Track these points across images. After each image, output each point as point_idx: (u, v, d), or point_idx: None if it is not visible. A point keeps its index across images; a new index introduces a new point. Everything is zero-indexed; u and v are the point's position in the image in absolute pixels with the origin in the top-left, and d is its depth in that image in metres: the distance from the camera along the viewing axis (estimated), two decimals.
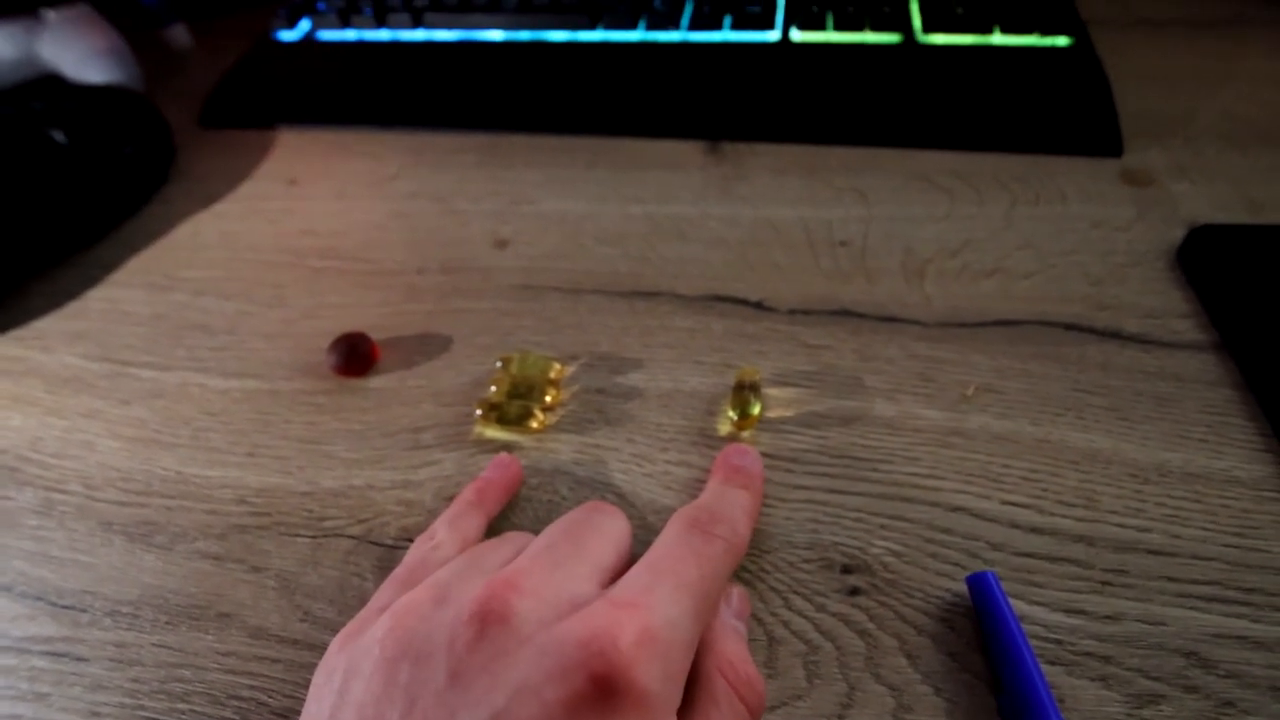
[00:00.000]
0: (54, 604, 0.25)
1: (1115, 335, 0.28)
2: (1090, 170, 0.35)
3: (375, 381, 0.30)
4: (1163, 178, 0.34)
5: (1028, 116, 0.37)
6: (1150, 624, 0.21)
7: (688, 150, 0.39)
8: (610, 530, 0.21)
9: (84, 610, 0.24)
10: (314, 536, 0.25)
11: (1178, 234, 0.32)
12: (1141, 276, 0.30)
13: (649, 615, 0.17)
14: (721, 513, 0.21)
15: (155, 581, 0.25)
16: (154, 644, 0.23)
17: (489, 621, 0.17)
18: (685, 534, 0.20)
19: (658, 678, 0.16)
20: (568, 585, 0.18)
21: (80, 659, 0.23)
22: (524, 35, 0.45)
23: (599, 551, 0.20)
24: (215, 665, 0.23)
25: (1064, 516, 0.24)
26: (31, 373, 0.32)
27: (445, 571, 0.19)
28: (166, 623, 0.24)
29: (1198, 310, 0.29)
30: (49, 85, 0.44)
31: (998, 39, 0.40)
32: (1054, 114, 0.37)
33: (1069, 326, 0.29)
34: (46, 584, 0.25)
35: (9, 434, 0.30)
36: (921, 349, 0.29)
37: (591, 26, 0.44)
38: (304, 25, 0.49)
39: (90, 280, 0.36)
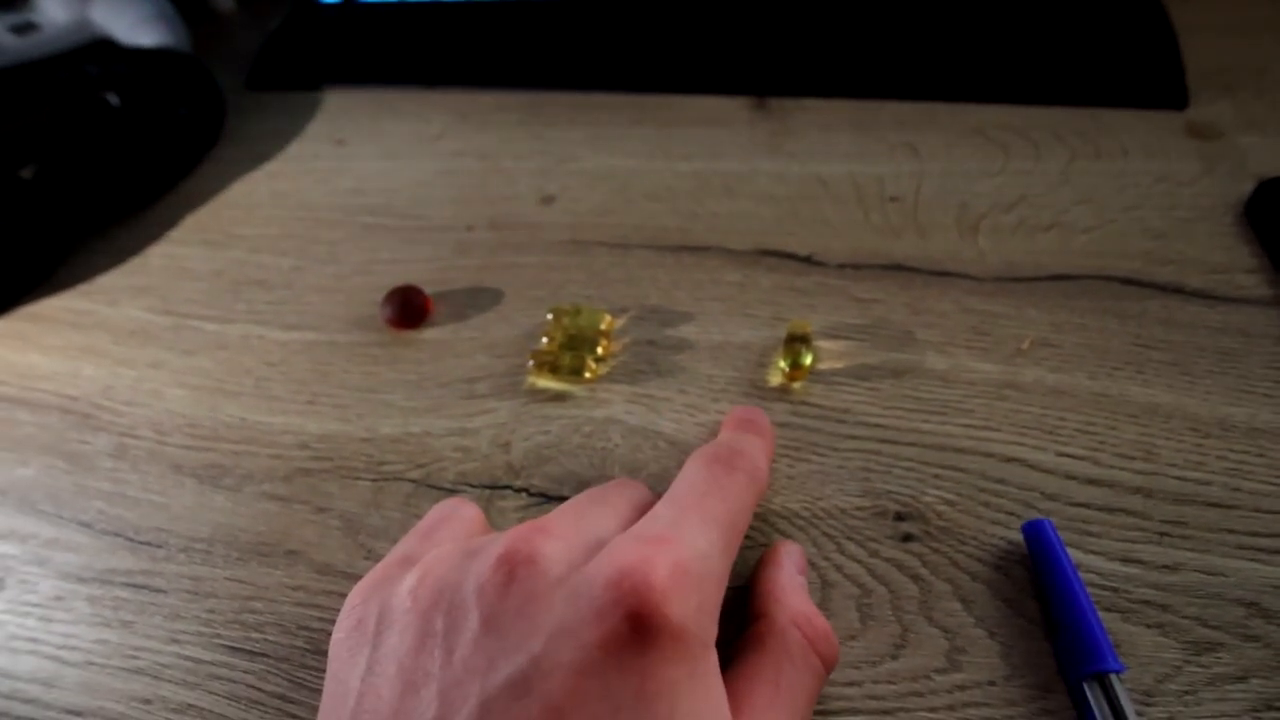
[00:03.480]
0: (132, 540, 0.26)
1: (1178, 290, 0.28)
2: (1153, 124, 0.34)
3: (428, 334, 0.30)
4: (1230, 131, 0.33)
5: (1088, 68, 0.36)
6: (1209, 574, 0.21)
7: (734, 106, 0.38)
8: (633, 493, 0.21)
9: (160, 546, 0.26)
10: (375, 480, 0.26)
11: (1245, 188, 0.31)
12: (1206, 231, 0.30)
13: (679, 549, 0.16)
14: (740, 448, 0.21)
15: (225, 520, 0.26)
16: (227, 578, 0.24)
17: (517, 563, 0.16)
18: (706, 468, 0.20)
19: (693, 612, 0.16)
20: (593, 530, 0.18)
21: (159, 590, 0.25)
22: None
23: (623, 506, 0.20)
24: (286, 599, 0.24)
25: (1122, 469, 0.23)
26: (99, 326, 0.33)
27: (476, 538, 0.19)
28: (238, 558, 0.25)
29: (1265, 265, 0.28)
30: (102, 49, 0.45)
31: None
32: (1116, 65, 0.36)
33: (1129, 281, 0.28)
34: (124, 521, 0.26)
35: (82, 382, 0.31)
36: (975, 303, 0.28)
37: None
38: None
39: (150, 238, 0.37)
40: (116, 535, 0.26)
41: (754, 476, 0.20)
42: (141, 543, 0.26)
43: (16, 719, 0.22)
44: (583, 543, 0.17)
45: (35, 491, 0.28)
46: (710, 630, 0.16)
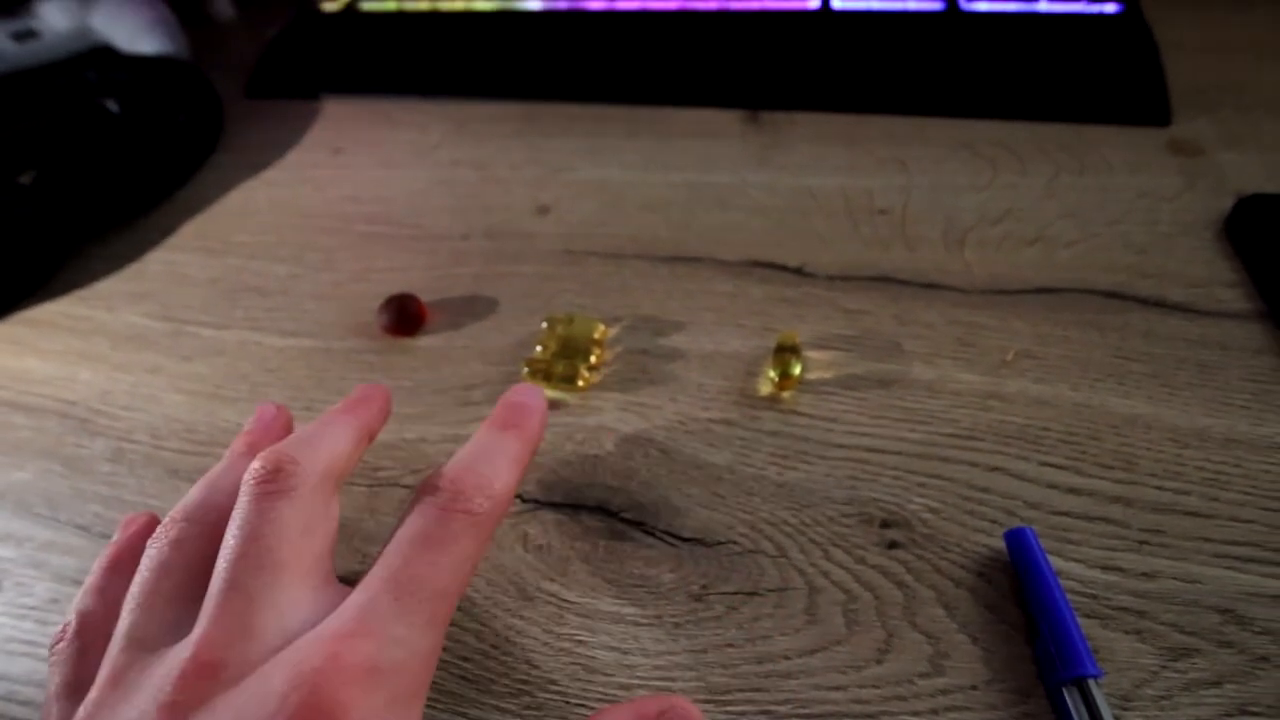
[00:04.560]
0: None
1: (1159, 304, 0.28)
2: (1137, 140, 0.35)
3: (424, 341, 0.31)
4: (1212, 148, 0.34)
5: (1074, 85, 0.37)
6: (1186, 582, 0.22)
7: (727, 119, 0.39)
8: (288, 521, 0.18)
9: None
10: (370, 486, 0.26)
11: (1226, 204, 0.31)
12: (1187, 246, 0.30)
13: (365, 643, 0.15)
14: (467, 478, 0.18)
15: None
16: None
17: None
18: (418, 522, 0.18)
19: (380, 708, 0.15)
20: (265, 637, 0.16)
21: None
22: (562, 4, 0.45)
23: (289, 555, 0.17)
24: None
25: (1102, 478, 0.24)
26: (97, 331, 0.34)
27: (119, 653, 0.17)
28: None
29: (1244, 280, 0.29)
30: (102, 56, 0.46)
31: (1043, 6, 0.40)
32: (1101, 83, 0.37)
33: (1111, 294, 0.29)
34: None
35: (79, 387, 0.31)
36: (961, 315, 0.29)
37: None
38: None
39: (148, 244, 0.37)
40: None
41: (480, 513, 0.18)
42: None
43: None
44: (262, 647, 0.16)
45: (32, 495, 0.28)
46: (407, 717, 0.16)
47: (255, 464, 0.18)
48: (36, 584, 0.25)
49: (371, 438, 0.22)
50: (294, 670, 0.15)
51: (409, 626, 0.16)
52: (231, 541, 0.17)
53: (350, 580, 0.24)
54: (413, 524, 0.18)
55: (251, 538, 0.17)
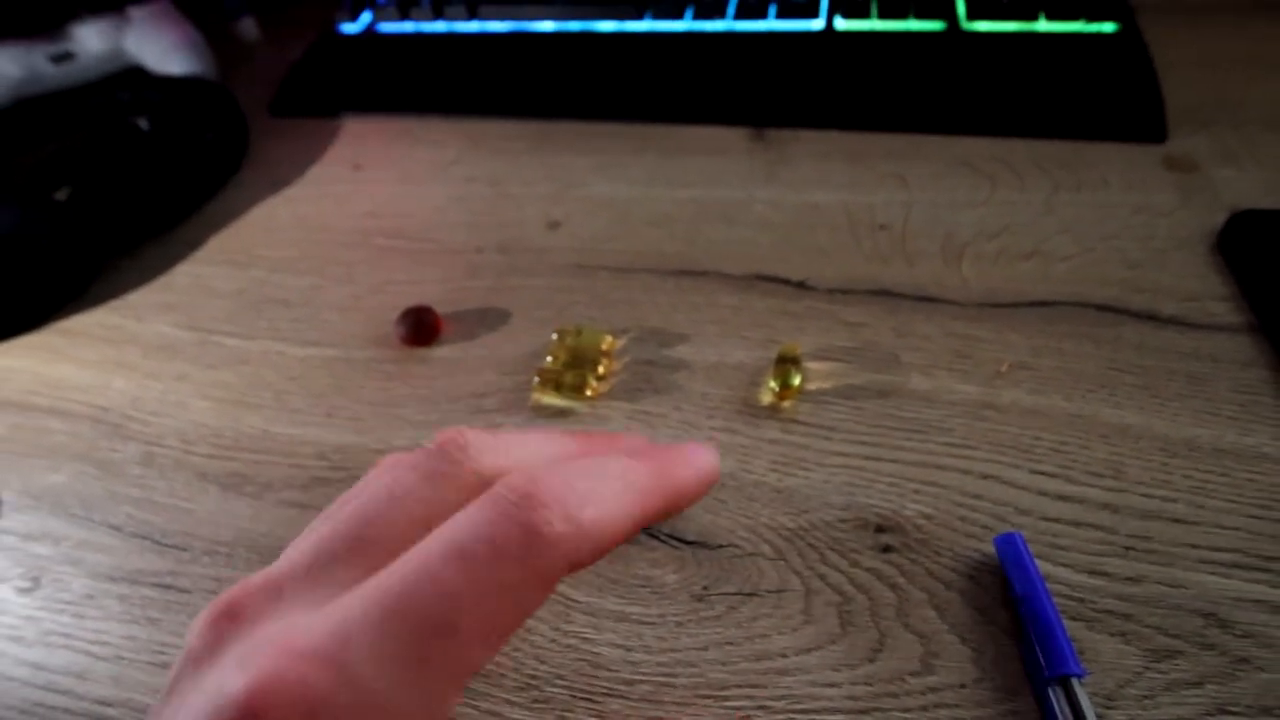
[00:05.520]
0: (159, 543, 0.27)
1: (1151, 317, 0.29)
2: (1134, 157, 0.36)
3: (440, 351, 0.32)
4: (1207, 164, 0.35)
5: (1072, 103, 0.38)
6: (1171, 586, 0.22)
7: (733, 137, 0.40)
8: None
9: (185, 549, 0.27)
10: None
11: (1220, 219, 0.32)
12: (1181, 260, 0.31)
13: (322, 674, 0.11)
14: (549, 484, 0.13)
15: (248, 525, 0.27)
16: None
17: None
18: (461, 523, 0.13)
19: None
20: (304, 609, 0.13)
21: (184, 590, 0.26)
22: (574, 26, 0.47)
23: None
24: None
25: (1091, 486, 0.25)
26: (128, 340, 0.35)
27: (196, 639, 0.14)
28: (259, 561, 0.26)
29: (1236, 294, 0.30)
30: (134, 77, 0.48)
31: (1043, 25, 0.41)
32: (1098, 100, 0.37)
33: (1105, 308, 0.30)
34: (152, 526, 0.28)
35: (112, 394, 0.33)
36: (958, 328, 0.30)
37: (639, 16, 0.46)
38: (365, 18, 0.51)
39: (176, 257, 0.39)
40: (144, 538, 0.28)
41: (539, 543, 0.13)
42: (168, 545, 0.27)
43: (51, 709, 0.24)
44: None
45: (67, 496, 0.29)
46: None
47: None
48: (73, 580, 0.27)
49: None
50: (241, 674, 0.12)
51: (387, 676, 0.12)
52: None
53: None
54: (454, 524, 0.13)
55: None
